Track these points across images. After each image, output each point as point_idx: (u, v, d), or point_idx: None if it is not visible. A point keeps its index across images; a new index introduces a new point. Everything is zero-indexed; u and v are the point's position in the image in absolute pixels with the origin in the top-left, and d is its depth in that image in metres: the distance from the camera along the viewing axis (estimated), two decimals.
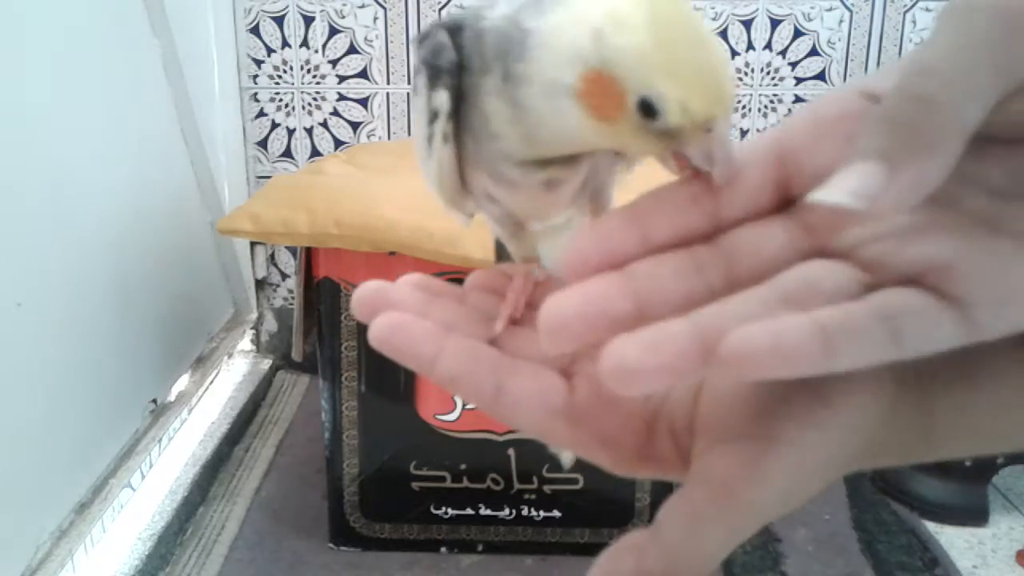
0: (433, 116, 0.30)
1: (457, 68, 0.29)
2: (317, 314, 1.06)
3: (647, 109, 0.24)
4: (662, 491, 1.07)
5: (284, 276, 1.66)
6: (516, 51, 0.27)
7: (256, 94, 1.56)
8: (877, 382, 0.22)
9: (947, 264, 0.19)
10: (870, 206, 0.19)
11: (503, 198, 0.31)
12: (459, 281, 0.30)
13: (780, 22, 1.53)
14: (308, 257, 1.05)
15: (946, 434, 0.23)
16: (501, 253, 0.40)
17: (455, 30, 0.29)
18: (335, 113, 1.57)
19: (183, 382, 1.33)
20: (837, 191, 0.19)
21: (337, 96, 1.56)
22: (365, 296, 0.27)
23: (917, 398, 0.23)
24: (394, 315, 0.26)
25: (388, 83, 1.55)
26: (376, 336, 0.26)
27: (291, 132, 1.58)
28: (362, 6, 1.52)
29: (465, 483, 1.11)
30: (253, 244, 1.60)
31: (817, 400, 0.21)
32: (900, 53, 1.55)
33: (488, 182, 0.31)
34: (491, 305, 0.29)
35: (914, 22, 1.54)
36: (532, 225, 0.33)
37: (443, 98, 0.29)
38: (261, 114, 1.57)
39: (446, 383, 0.26)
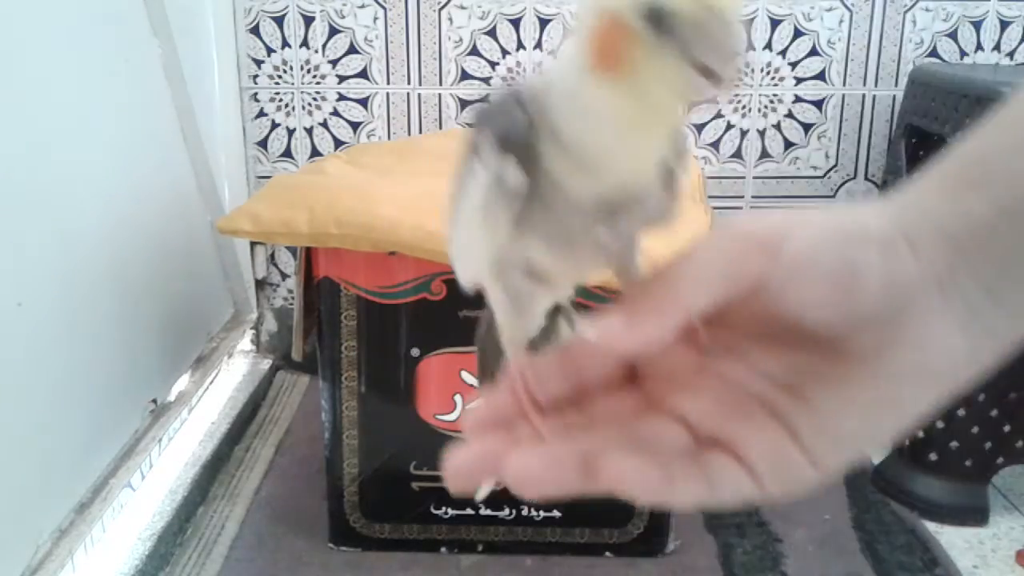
0: (497, 183, 0.30)
1: (527, 135, 0.30)
2: (317, 314, 1.06)
3: (655, 17, 0.26)
4: None
5: (284, 276, 1.66)
6: (544, 95, 0.30)
7: (256, 94, 1.56)
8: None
9: (737, 442, 0.28)
10: (607, 340, 0.28)
11: (545, 262, 0.33)
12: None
13: (780, 22, 1.53)
14: (308, 257, 1.05)
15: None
16: (485, 367, 0.43)
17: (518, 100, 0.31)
18: (335, 113, 1.57)
19: (183, 382, 1.33)
20: (592, 331, 0.29)
21: (337, 96, 1.56)
22: (459, 472, 0.30)
23: None
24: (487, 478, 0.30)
25: (388, 83, 1.55)
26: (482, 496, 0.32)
27: (291, 132, 1.58)
28: (362, 6, 1.52)
29: None
30: (253, 244, 1.60)
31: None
32: (900, 53, 1.55)
33: (537, 248, 0.32)
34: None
35: (914, 22, 1.54)
36: (554, 290, 0.35)
37: (515, 170, 0.30)
38: (261, 114, 1.57)
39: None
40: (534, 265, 0.33)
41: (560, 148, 0.29)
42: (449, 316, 1.04)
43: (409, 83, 1.55)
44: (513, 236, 0.31)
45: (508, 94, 0.31)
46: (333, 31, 1.53)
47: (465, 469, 0.29)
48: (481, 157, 0.31)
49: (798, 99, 1.57)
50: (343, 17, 1.52)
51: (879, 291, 0.27)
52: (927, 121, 1.31)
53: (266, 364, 1.61)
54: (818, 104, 1.57)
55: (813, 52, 1.54)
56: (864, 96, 1.57)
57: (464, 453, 0.29)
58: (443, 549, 1.13)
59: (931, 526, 1.19)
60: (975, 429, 1.18)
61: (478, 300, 0.37)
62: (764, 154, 1.59)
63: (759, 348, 0.29)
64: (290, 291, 1.66)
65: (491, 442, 0.29)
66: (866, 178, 1.60)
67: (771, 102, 1.57)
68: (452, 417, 1.08)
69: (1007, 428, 1.19)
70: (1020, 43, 1.55)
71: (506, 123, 0.30)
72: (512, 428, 0.30)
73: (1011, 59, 1.55)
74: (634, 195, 0.31)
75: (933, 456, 1.20)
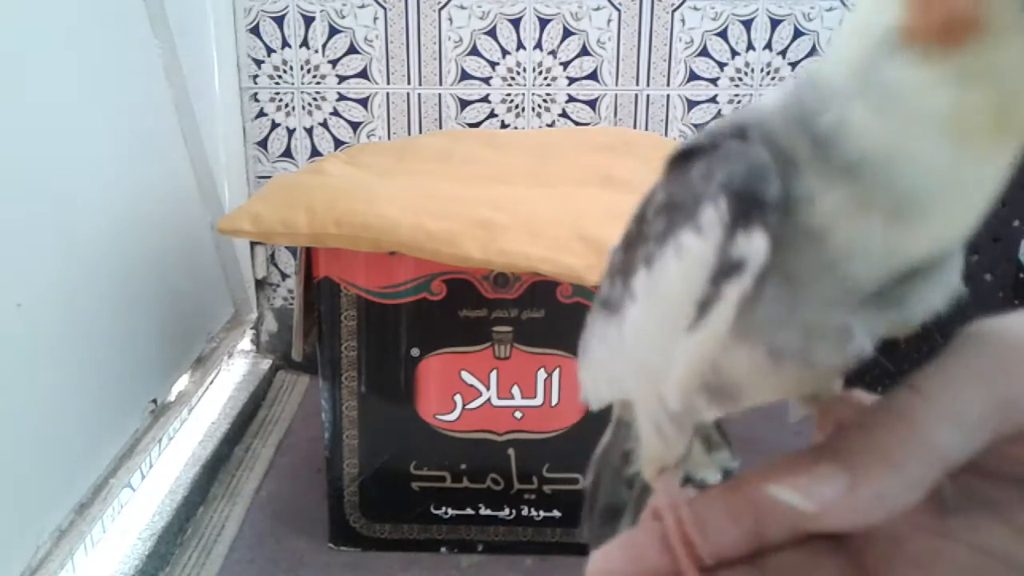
0: (730, 270, 0.20)
1: (782, 202, 0.20)
2: (317, 314, 1.06)
3: None
4: None
5: (284, 276, 1.66)
6: (811, 103, 0.20)
7: (256, 94, 1.56)
8: None
9: None
10: (822, 510, 0.19)
11: (745, 370, 0.22)
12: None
13: (780, 22, 1.53)
14: (308, 257, 1.05)
15: None
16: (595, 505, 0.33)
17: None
18: (335, 113, 1.57)
19: (183, 382, 1.33)
20: (793, 490, 0.19)
21: (337, 96, 1.56)
22: None
23: None
24: None
25: (388, 83, 1.55)
26: None
27: (291, 132, 1.58)
28: (362, 6, 1.52)
29: (465, 483, 1.11)
30: (253, 244, 1.60)
31: None
32: None
33: (752, 359, 0.22)
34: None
35: None
36: (731, 407, 0.25)
37: (759, 244, 0.20)
38: (261, 114, 1.57)
39: None
40: (727, 376, 0.23)
41: (852, 187, 0.19)
42: (449, 316, 1.04)
43: (409, 83, 1.55)
44: (725, 340, 0.21)
45: (723, 129, 0.22)
46: (333, 31, 1.53)
47: None
48: (698, 223, 0.21)
49: None
50: (343, 17, 1.52)
51: None
52: None
53: (266, 364, 1.61)
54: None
55: (813, 52, 1.54)
56: None
57: None
58: (443, 549, 1.13)
59: None
60: None
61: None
62: None
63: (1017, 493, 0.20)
64: (290, 291, 1.66)
65: None
66: None
67: None
68: (452, 417, 1.08)
69: None
70: None
71: (747, 169, 0.20)
72: None
73: None
74: (941, 258, 0.21)
75: None
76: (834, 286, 0.20)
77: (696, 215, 0.21)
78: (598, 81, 1.54)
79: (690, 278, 0.21)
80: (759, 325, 0.21)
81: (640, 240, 0.23)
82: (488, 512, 1.12)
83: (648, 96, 1.55)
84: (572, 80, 1.55)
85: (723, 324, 0.21)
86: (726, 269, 0.20)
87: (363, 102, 1.56)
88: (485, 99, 1.55)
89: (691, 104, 1.56)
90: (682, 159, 0.23)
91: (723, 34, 1.53)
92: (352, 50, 1.54)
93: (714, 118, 1.57)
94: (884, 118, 0.18)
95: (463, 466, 1.10)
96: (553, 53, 1.53)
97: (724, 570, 0.21)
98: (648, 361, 0.24)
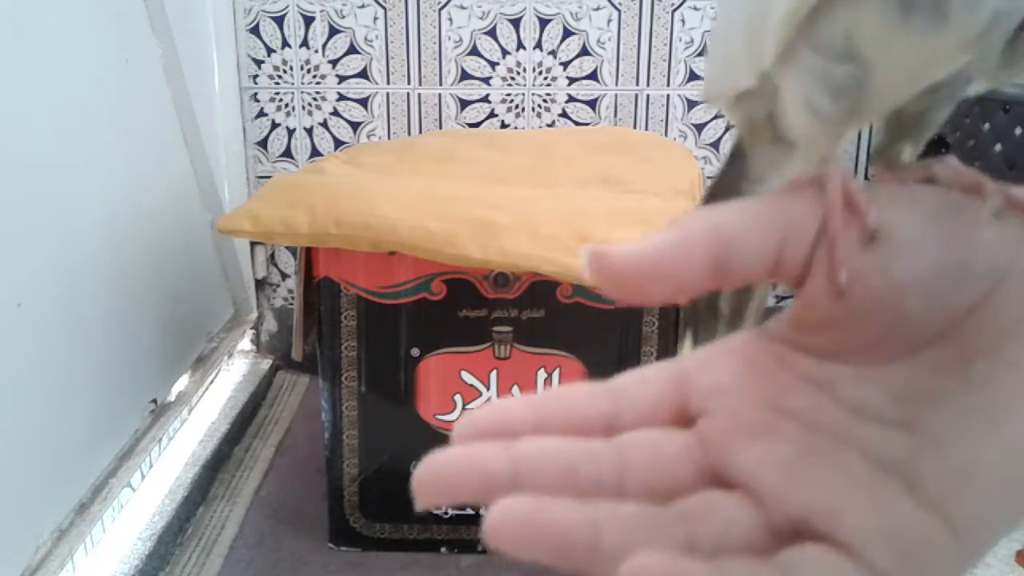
0: None
1: None
2: (317, 314, 1.06)
3: None
4: None
5: (284, 276, 1.66)
6: None
7: (256, 94, 1.56)
8: None
9: (831, 510, 0.19)
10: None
11: (878, 43, 0.22)
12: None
13: None
14: (308, 257, 1.05)
15: None
16: (698, 325, 0.32)
17: None
18: (335, 113, 1.57)
19: (183, 382, 1.33)
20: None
21: (337, 96, 1.56)
22: (431, 478, 0.21)
23: None
24: (519, 506, 0.20)
25: (388, 83, 1.55)
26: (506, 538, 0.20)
27: (291, 132, 1.58)
28: (362, 6, 1.52)
29: None
30: (253, 244, 1.60)
31: None
32: None
33: (883, 15, 0.21)
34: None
35: None
36: (879, 98, 0.24)
37: None
38: (261, 114, 1.57)
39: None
40: (855, 42, 0.22)
41: None
42: (449, 316, 1.04)
43: (409, 83, 1.55)
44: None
45: None
46: (333, 31, 1.53)
47: (446, 480, 0.21)
48: None
49: None
50: (343, 17, 1.52)
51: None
52: None
53: (266, 364, 1.61)
54: None
55: None
56: None
57: (450, 455, 0.21)
58: (443, 549, 1.13)
59: None
60: None
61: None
62: None
63: (850, 371, 0.21)
64: (290, 291, 1.66)
65: (485, 449, 0.21)
66: (865, 178, 1.60)
67: None
68: (452, 417, 1.08)
69: None
70: None
71: None
72: (515, 444, 0.21)
73: None
74: None
75: None
76: None
77: None
78: (598, 81, 1.54)
79: None
80: None
81: None
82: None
83: (648, 96, 1.55)
84: (572, 80, 1.55)
85: None
86: None
87: (363, 102, 1.56)
88: (485, 99, 1.55)
89: (691, 104, 1.56)
90: None
91: None
92: (352, 50, 1.54)
93: (714, 118, 1.57)
94: None
95: None
96: (553, 53, 1.53)
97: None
98: (751, 9, 0.23)
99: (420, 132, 1.57)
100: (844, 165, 0.23)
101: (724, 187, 0.30)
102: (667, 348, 1.04)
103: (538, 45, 1.53)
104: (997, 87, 0.23)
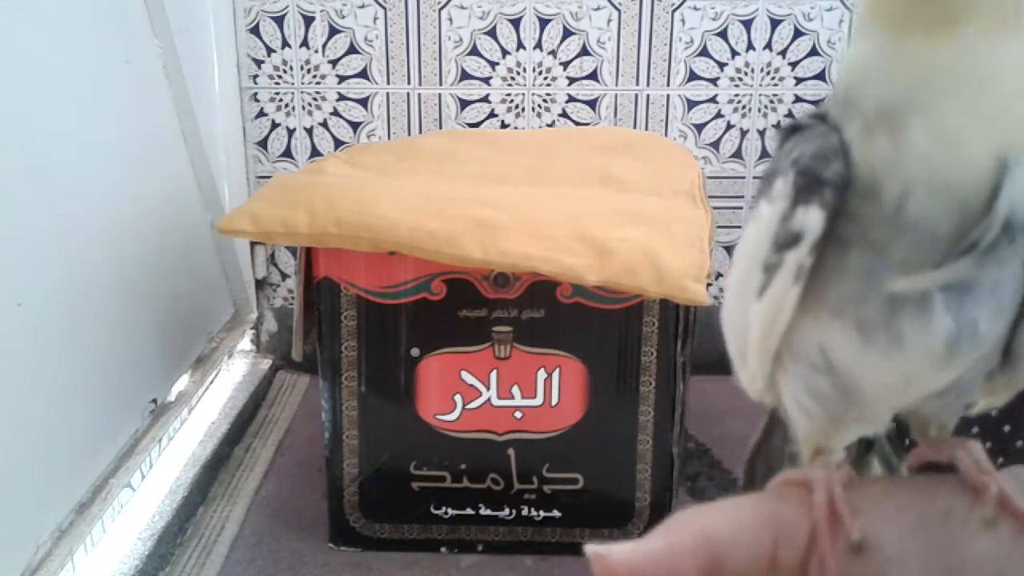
0: (790, 239, 0.22)
1: (844, 185, 0.22)
2: (317, 314, 1.06)
3: None
4: (662, 491, 1.07)
5: (284, 276, 1.66)
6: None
7: (256, 94, 1.56)
8: None
9: None
10: None
11: (848, 360, 0.24)
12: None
13: (780, 22, 1.53)
14: (308, 257, 1.05)
15: None
16: (753, 474, 0.33)
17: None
18: (335, 113, 1.57)
19: (183, 382, 1.33)
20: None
21: (337, 96, 1.56)
22: None
23: None
24: None
25: (388, 83, 1.55)
26: None
27: (291, 132, 1.58)
28: (362, 6, 1.52)
29: (465, 483, 1.11)
30: (253, 244, 1.60)
31: None
32: None
33: (845, 335, 0.23)
34: None
35: None
36: (870, 406, 0.25)
37: (815, 219, 0.22)
38: (261, 114, 1.57)
39: None
40: (833, 358, 0.24)
41: (880, 123, 0.21)
42: (449, 316, 1.04)
43: (409, 83, 1.55)
44: (799, 313, 0.23)
45: (817, 108, 0.24)
46: (333, 31, 1.53)
47: None
48: (771, 193, 0.23)
49: (798, 99, 1.57)
50: (343, 17, 1.52)
51: None
52: None
53: (266, 364, 1.61)
54: (818, 104, 1.57)
55: (813, 52, 1.54)
56: None
57: None
58: (443, 549, 1.13)
59: None
60: (975, 429, 1.18)
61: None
62: (764, 154, 1.59)
63: None
64: (290, 291, 1.66)
65: None
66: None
67: (771, 102, 1.57)
68: (452, 417, 1.08)
69: (1007, 428, 1.19)
70: None
71: (814, 150, 0.22)
72: None
73: None
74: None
75: None
76: (906, 244, 0.21)
77: (771, 186, 0.23)
78: (598, 81, 1.54)
79: (760, 242, 0.23)
80: (846, 298, 0.22)
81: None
82: (488, 512, 1.12)
83: (648, 96, 1.55)
84: (572, 80, 1.55)
85: (785, 290, 0.23)
86: (787, 238, 0.22)
87: (363, 102, 1.56)
88: (485, 99, 1.55)
89: (691, 104, 1.56)
90: (789, 133, 0.25)
91: (723, 34, 1.53)
92: (352, 50, 1.54)
93: (714, 118, 1.57)
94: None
95: (463, 466, 1.10)
96: (553, 53, 1.53)
97: None
98: (739, 324, 0.26)
99: (420, 132, 1.57)
100: (838, 460, 0.25)
101: (768, 449, 0.32)
102: (667, 348, 1.04)
103: (538, 45, 1.53)
104: (997, 404, 0.25)
